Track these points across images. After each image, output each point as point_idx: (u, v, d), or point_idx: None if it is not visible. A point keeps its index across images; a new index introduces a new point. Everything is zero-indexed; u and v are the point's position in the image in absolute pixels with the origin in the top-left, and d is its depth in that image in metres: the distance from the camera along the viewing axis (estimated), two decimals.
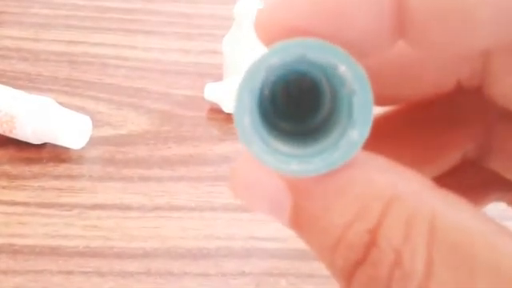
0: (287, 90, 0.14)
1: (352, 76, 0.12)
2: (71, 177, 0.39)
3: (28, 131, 0.39)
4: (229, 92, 0.43)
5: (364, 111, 0.12)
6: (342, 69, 0.12)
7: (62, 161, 0.40)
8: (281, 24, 0.13)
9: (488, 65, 0.13)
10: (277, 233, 0.36)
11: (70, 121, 0.39)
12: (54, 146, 0.40)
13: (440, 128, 0.16)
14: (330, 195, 0.12)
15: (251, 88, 0.12)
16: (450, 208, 0.12)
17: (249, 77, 0.12)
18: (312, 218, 0.12)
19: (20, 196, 0.38)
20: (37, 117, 0.39)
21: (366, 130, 0.12)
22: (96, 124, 0.42)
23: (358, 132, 0.12)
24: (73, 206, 0.37)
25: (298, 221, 0.13)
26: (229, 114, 0.44)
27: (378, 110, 0.15)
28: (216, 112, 0.44)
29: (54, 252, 0.35)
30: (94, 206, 0.37)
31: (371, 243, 0.12)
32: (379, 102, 0.13)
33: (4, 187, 0.38)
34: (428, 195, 0.12)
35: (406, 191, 0.12)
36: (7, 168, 0.39)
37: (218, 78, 0.47)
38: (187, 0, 0.56)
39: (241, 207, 0.38)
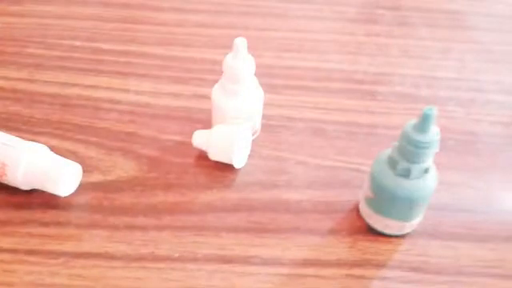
0: None
1: None
2: (59, 223, 0.40)
3: (19, 178, 0.40)
4: (215, 140, 0.44)
5: None
6: None
7: (51, 207, 0.41)
8: None
9: None
10: (256, 285, 0.37)
11: (61, 169, 0.40)
12: (43, 191, 0.41)
13: None
14: None
15: None
16: None
17: None
18: None
19: (8, 242, 0.38)
20: (28, 164, 0.40)
21: None
22: (86, 169, 0.43)
23: None
24: (59, 254, 0.38)
25: None
26: (216, 162, 0.45)
27: None
28: (204, 159, 0.45)
29: None
30: (80, 255, 0.38)
31: None
32: None
33: None
34: None
35: None
36: None
37: (207, 123, 0.48)
38: (181, 44, 0.58)
39: (223, 258, 0.38)
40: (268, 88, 0.54)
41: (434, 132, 0.35)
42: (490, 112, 0.53)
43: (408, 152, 0.36)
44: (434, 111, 0.34)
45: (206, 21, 0.62)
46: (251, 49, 0.59)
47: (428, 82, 0.56)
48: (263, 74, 0.55)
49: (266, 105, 0.51)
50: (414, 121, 0.36)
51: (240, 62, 0.43)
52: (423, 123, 0.35)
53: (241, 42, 0.42)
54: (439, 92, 0.55)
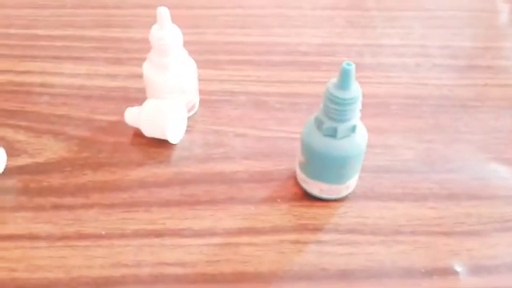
0: None
1: None
2: None
3: None
4: (146, 116, 0.42)
5: None
6: None
7: None
8: None
9: None
10: (186, 257, 0.36)
11: None
12: None
13: None
14: None
15: None
16: None
17: None
18: None
19: None
20: None
21: None
22: (13, 153, 0.42)
23: None
24: None
25: None
26: (151, 139, 0.44)
27: None
28: (140, 136, 0.44)
29: None
30: (2, 237, 0.36)
31: None
32: None
33: None
34: None
35: None
36: None
37: (144, 101, 0.47)
38: (119, 25, 0.56)
39: (153, 232, 0.37)
40: (211, 64, 0.52)
41: (355, 88, 0.34)
42: (436, 76, 0.52)
43: (332, 111, 0.35)
44: (353, 66, 0.34)
45: (147, 2, 0.60)
46: (195, 27, 0.58)
47: (373, 50, 0.55)
48: (206, 50, 0.54)
49: (208, 81, 0.50)
50: (334, 79, 0.35)
51: (166, 32, 0.41)
52: (343, 79, 0.34)
53: (164, 12, 0.41)
54: (384, 59, 0.54)
